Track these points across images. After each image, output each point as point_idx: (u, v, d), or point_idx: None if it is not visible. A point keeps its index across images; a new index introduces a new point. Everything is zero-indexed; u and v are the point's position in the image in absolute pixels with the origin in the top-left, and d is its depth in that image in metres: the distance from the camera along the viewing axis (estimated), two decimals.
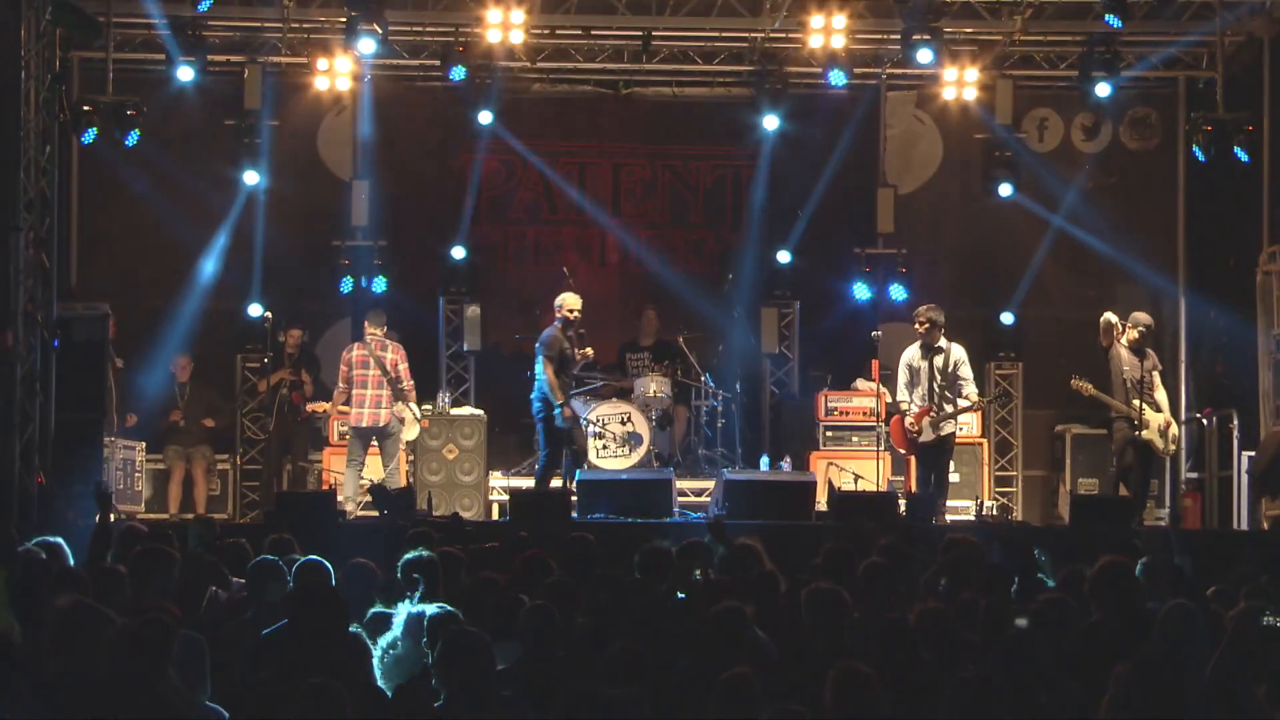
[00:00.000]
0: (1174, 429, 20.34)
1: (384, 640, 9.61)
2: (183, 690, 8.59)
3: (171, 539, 12.82)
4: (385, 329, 21.03)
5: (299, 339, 22.64)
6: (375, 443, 20.76)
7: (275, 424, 22.33)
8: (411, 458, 21.38)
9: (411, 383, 21.01)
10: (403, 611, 9.80)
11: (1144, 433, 19.70)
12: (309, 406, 22.25)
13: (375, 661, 9.46)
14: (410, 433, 21.06)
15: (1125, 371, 19.78)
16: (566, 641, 9.86)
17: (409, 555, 11.39)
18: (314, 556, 11.41)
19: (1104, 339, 19.66)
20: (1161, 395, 20.07)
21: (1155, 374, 20.09)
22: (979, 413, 21.96)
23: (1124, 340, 19.81)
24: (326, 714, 7.59)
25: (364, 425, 20.59)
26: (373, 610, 10.35)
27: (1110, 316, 19.78)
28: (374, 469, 20.79)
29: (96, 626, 8.86)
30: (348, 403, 20.84)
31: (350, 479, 20.40)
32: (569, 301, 20.06)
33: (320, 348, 23.45)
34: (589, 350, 20.39)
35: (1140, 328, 19.94)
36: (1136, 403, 19.73)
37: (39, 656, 9.15)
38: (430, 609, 9.67)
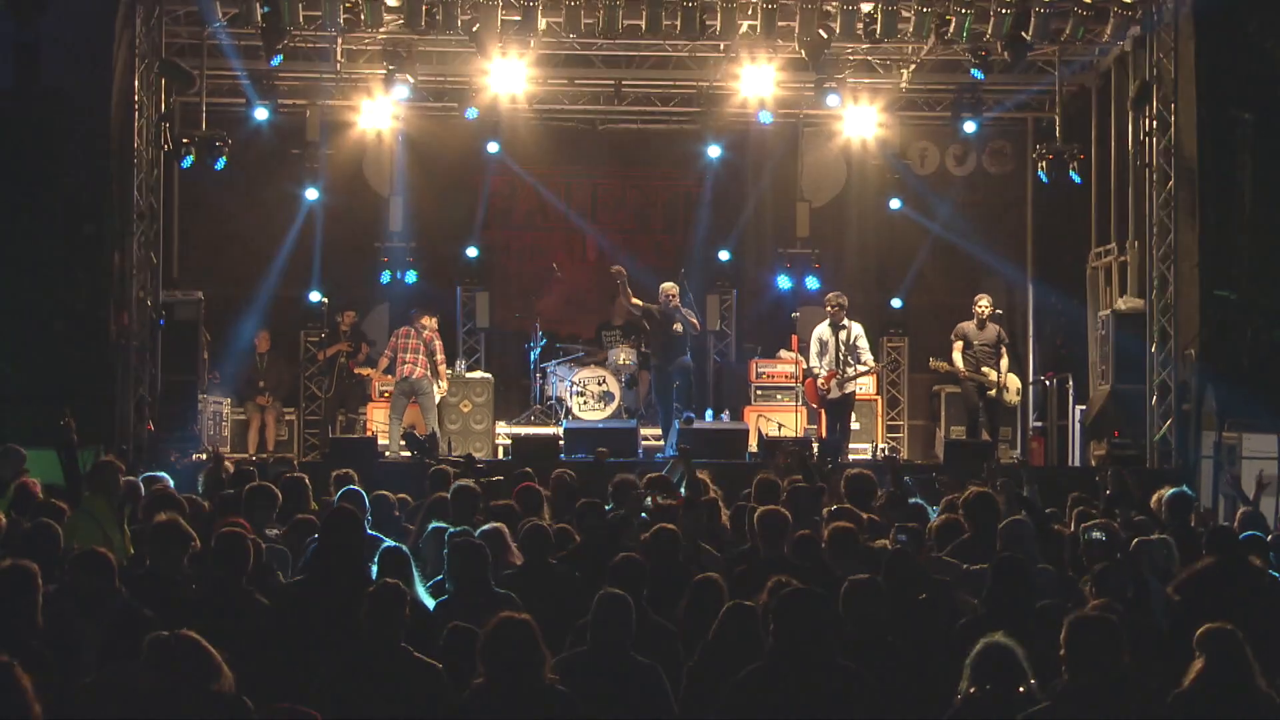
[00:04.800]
0: (1014, 384, 20.54)
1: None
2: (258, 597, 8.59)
3: (254, 475, 12.89)
4: (433, 320, 20.99)
5: (352, 319, 22.68)
6: (415, 399, 20.66)
7: (334, 385, 22.39)
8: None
9: (443, 355, 20.92)
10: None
11: (990, 392, 19.97)
12: (357, 370, 22.25)
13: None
14: (437, 396, 21.06)
15: (974, 343, 20.07)
16: (556, 555, 9.89)
17: (456, 484, 11.40)
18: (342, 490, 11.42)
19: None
20: (1004, 362, 20.22)
21: (1003, 346, 20.27)
22: (874, 376, 22.01)
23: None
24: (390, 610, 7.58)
25: (406, 376, 20.51)
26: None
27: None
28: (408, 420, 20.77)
29: (181, 540, 8.86)
30: (390, 366, 20.81)
31: (394, 428, 20.37)
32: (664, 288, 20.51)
33: (365, 325, 23.45)
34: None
35: (981, 307, 20.22)
36: (986, 370, 19.94)
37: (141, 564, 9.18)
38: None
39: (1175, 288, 19.26)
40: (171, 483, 12.53)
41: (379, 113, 22.98)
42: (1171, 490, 11.90)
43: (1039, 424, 23.09)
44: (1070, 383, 22.19)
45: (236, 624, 7.90)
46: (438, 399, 20.88)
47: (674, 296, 20.27)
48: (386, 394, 21.45)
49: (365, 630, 7.43)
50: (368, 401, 22.25)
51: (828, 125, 24.26)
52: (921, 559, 9.89)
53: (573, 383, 21.91)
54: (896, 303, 24.23)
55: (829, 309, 20.14)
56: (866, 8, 19.56)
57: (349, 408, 22.58)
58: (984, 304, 20.33)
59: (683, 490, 12.46)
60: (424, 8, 19.29)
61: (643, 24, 19.72)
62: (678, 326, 20.19)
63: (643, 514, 11.58)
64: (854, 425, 20.84)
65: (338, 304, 22.77)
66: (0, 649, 5.88)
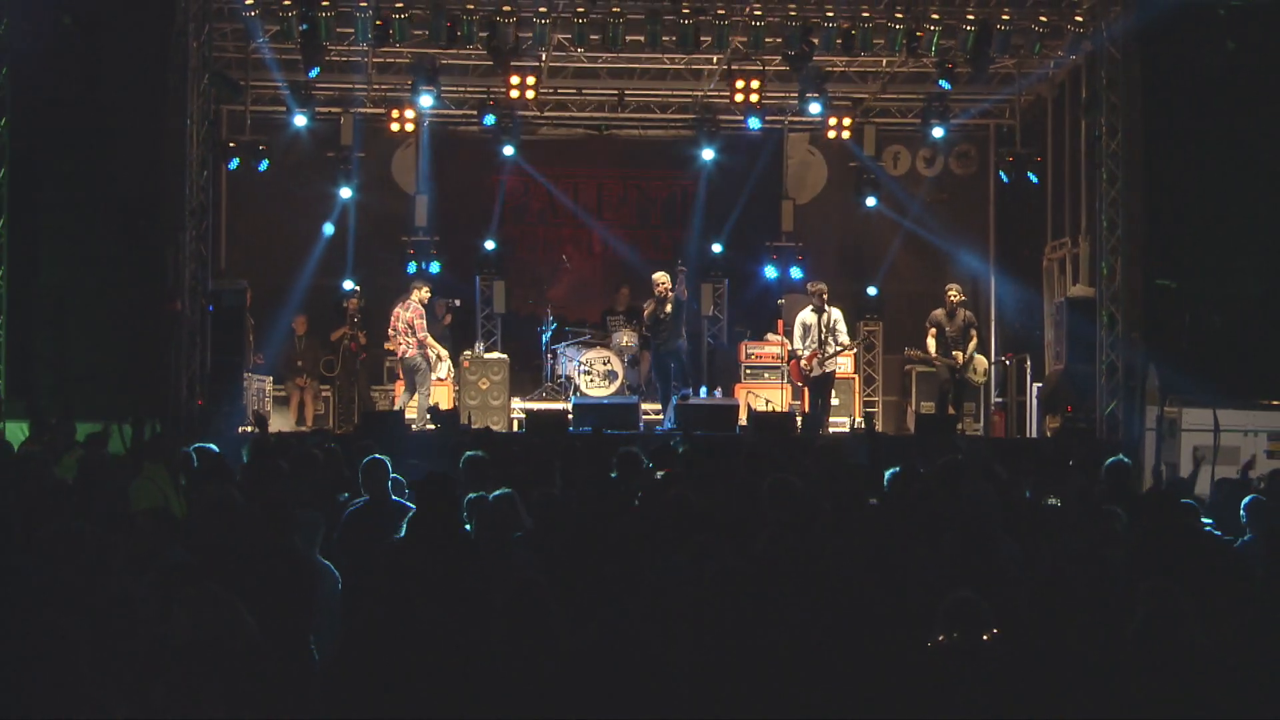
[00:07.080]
0: (981, 364, 20.58)
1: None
2: (304, 552, 8.60)
3: (293, 445, 12.92)
4: (427, 294, 20.77)
5: (356, 305, 22.54)
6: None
7: (340, 366, 22.34)
8: (457, 389, 21.39)
9: (423, 335, 20.19)
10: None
11: (958, 374, 20.04)
12: (387, 345, 22.06)
13: None
14: (439, 371, 20.92)
15: (946, 330, 20.12)
16: (567, 520, 9.87)
17: (468, 454, 11.29)
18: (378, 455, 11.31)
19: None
20: (972, 344, 20.29)
21: (971, 330, 20.32)
22: (852, 355, 22.05)
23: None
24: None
25: (400, 356, 20.31)
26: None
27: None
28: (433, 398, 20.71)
29: (231, 505, 8.91)
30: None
31: (411, 403, 20.30)
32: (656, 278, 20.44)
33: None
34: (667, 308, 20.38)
35: (951, 295, 20.26)
36: (956, 353, 20.00)
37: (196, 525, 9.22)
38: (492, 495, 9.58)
39: (1122, 277, 19.28)
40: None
41: (407, 120, 22.97)
42: (1111, 459, 11.99)
43: (1000, 400, 23.14)
44: (1028, 362, 22.26)
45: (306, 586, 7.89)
46: (440, 369, 20.72)
47: (659, 284, 20.30)
48: None
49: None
50: (396, 379, 22.18)
51: (811, 131, 24.29)
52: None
53: (580, 362, 21.94)
54: (872, 290, 24.28)
55: (811, 296, 20.17)
56: (845, 25, 19.60)
57: (358, 387, 22.36)
58: (954, 292, 20.37)
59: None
60: (447, 25, 19.34)
61: (644, 39, 19.79)
62: (668, 309, 20.24)
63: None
64: (834, 401, 20.88)
65: (368, 292, 22.76)
66: (73, 607, 5.91)
